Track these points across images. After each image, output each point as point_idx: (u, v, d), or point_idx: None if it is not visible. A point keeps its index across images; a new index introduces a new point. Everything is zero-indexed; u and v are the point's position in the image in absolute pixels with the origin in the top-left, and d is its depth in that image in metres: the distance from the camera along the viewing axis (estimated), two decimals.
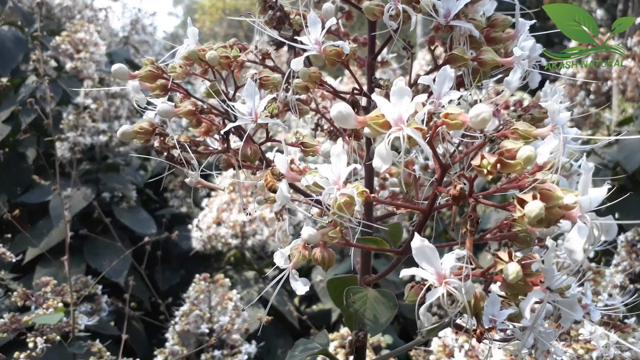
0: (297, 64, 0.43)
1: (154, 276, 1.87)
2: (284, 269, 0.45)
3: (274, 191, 0.44)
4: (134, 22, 2.24)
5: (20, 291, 1.43)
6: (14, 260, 1.62)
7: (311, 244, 0.42)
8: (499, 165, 0.33)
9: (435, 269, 0.32)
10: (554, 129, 0.35)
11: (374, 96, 0.34)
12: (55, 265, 1.74)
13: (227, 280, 1.53)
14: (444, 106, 0.38)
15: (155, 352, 1.51)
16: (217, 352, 1.51)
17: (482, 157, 0.33)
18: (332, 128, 0.66)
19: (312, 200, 0.50)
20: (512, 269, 0.33)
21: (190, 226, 1.78)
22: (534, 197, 0.32)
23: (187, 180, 0.49)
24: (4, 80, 2.04)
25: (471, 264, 0.34)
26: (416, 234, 0.33)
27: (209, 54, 0.47)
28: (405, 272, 0.33)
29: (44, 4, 1.96)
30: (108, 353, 1.38)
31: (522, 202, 0.32)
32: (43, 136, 1.97)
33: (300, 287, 0.44)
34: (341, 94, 0.50)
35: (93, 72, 1.89)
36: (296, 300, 1.87)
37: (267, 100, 0.43)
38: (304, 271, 2.01)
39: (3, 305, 1.63)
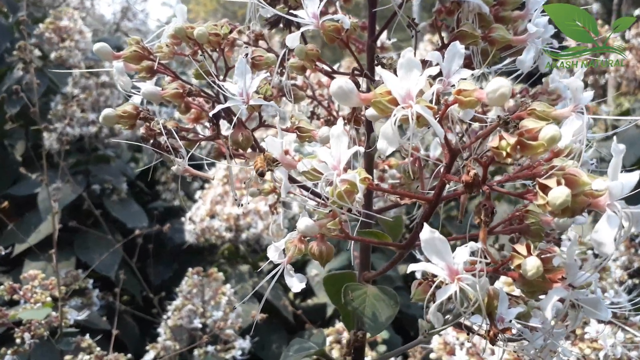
0: (294, 40, 0.40)
1: (146, 270, 1.83)
2: (278, 264, 0.42)
3: (262, 175, 0.40)
4: (124, 9, 2.19)
5: (7, 285, 1.39)
6: (2, 253, 1.58)
7: (308, 237, 0.39)
8: (518, 147, 0.30)
9: (447, 263, 0.29)
10: (575, 109, 0.32)
11: (379, 70, 0.30)
12: (44, 259, 1.70)
13: (220, 274, 1.49)
14: (453, 85, 0.35)
15: (147, 347, 1.47)
16: (210, 348, 1.48)
17: (501, 138, 0.30)
18: (329, 117, 0.62)
19: (308, 189, 0.46)
20: (532, 264, 0.30)
21: (183, 219, 1.74)
22: (559, 183, 0.29)
23: (174, 168, 0.45)
24: None
25: (486, 258, 0.30)
26: (425, 224, 0.30)
27: (197, 30, 0.44)
28: (414, 267, 0.29)
29: None
30: (98, 348, 1.34)
31: (545, 188, 0.29)
32: (30, 127, 1.92)
33: (296, 283, 0.40)
34: (340, 74, 0.47)
35: (79, 61, 1.83)
36: (291, 295, 1.84)
37: (260, 80, 0.39)
38: (299, 264, 1.99)
39: None
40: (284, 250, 0.41)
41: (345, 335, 1.42)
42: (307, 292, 1.83)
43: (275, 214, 0.69)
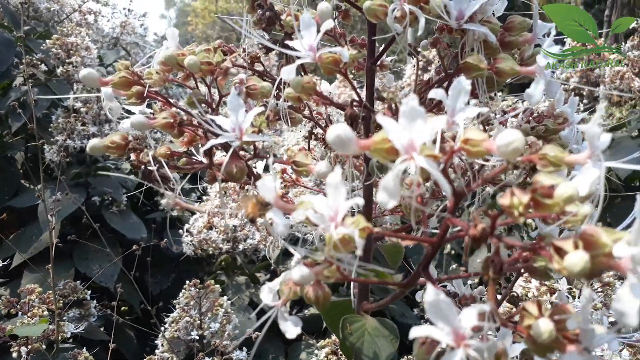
0: (289, 72, 0.36)
1: (144, 279, 1.78)
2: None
3: (253, 221, 0.37)
4: (124, 23, 2.14)
5: (4, 299, 1.34)
6: (0, 265, 1.54)
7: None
8: (531, 204, 0.26)
9: (453, 327, 0.25)
10: (591, 156, 0.28)
11: (379, 117, 0.27)
12: (43, 270, 1.65)
13: (217, 286, 1.45)
14: (457, 124, 0.31)
15: None
16: (207, 359, 1.44)
17: (512, 195, 0.26)
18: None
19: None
20: (545, 328, 0.26)
21: (181, 231, 1.70)
22: (576, 246, 0.25)
23: (163, 201, 0.42)
24: None
25: (494, 321, 0.27)
26: (429, 285, 0.26)
27: (188, 60, 0.40)
28: (417, 333, 0.26)
29: (29, 4, 1.86)
30: None
31: (560, 251, 0.26)
32: (31, 140, 1.88)
33: (291, 328, 0.37)
34: (338, 105, 0.43)
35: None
36: (287, 305, 1.79)
37: (254, 115, 0.36)
38: None
39: None
40: (278, 291, 0.38)
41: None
42: (303, 302, 1.78)
43: (269, 235, 0.65)
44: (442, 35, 0.47)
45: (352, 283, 0.48)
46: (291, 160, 0.39)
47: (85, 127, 1.82)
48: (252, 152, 0.45)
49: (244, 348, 1.47)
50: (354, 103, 0.42)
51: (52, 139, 1.76)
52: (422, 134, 0.26)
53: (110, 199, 1.85)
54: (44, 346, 1.27)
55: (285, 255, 2.00)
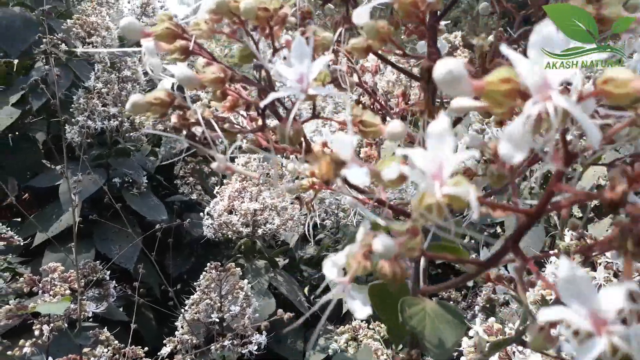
0: (362, 15, 0.31)
1: (163, 262, 1.76)
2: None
3: (328, 183, 0.31)
4: (144, 4, 2.09)
5: (26, 277, 1.32)
6: (22, 243, 1.51)
7: (385, 257, 0.30)
8: None
9: (591, 310, 0.20)
10: None
11: (503, 48, 0.21)
12: (64, 250, 1.62)
13: (238, 269, 1.41)
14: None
15: (165, 342, 1.40)
16: (227, 342, 1.41)
17: None
18: (376, 105, 0.53)
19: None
20: None
21: (202, 214, 1.66)
22: None
23: (213, 165, 0.37)
24: (15, 62, 1.91)
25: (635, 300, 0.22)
26: (563, 256, 0.21)
27: (244, 4, 0.35)
28: (546, 316, 0.21)
29: None
30: (116, 342, 1.27)
31: None
32: (53, 120, 1.85)
33: (359, 307, 0.32)
34: (417, 58, 0.38)
35: (104, 56, 1.76)
36: (306, 290, 1.76)
37: (323, 63, 0.31)
38: (314, 261, 1.90)
39: (10, 289, 1.52)
40: (344, 267, 0.33)
41: (367, 334, 1.34)
42: (324, 288, 1.74)
43: (312, 211, 0.60)
44: None
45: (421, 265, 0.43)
46: (358, 120, 0.34)
47: (106, 107, 1.78)
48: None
49: (263, 332, 1.44)
50: (432, 56, 0.37)
51: (72, 120, 1.73)
52: (560, 70, 0.20)
53: (130, 180, 1.82)
54: (65, 325, 1.24)
55: (304, 241, 1.96)
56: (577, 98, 0.22)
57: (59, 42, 1.77)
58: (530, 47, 0.21)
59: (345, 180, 0.37)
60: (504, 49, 0.22)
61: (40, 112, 1.84)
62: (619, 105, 0.22)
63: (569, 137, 0.28)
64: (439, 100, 0.42)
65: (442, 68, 0.22)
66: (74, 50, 1.78)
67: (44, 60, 1.74)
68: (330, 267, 0.34)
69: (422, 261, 0.44)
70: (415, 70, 0.45)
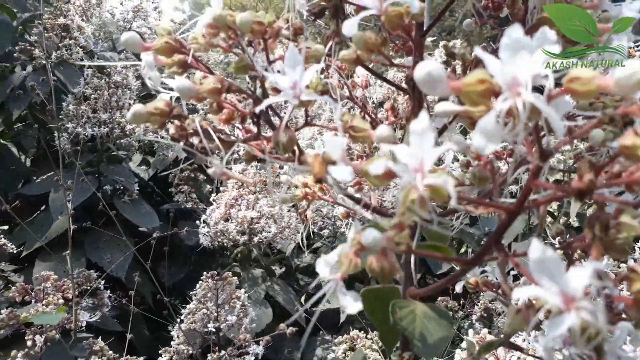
0: (351, 27, 0.35)
1: (157, 271, 1.78)
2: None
3: (320, 182, 0.35)
4: (136, 9, 2.13)
5: (19, 286, 1.34)
6: (14, 251, 1.53)
7: (367, 251, 0.33)
8: None
9: (561, 288, 0.24)
10: None
11: (477, 51, 0.25)
12: (55, 259, 1.65)
13: (234, 278, 1.44)
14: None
15: (161, 352, 1.42)
16: (223, 352, 1.43)
17: (636, 134, 0.24)
18: (366, 118, 0.57)
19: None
20: None
21: (197, 222, 1.69)
22: None
23: (210, 171, 0.40)
24: None
25: (602, 280, 0.25)
26: (535, 240, 0.24)
27: (240, 18, 0.38)
28: (520, 293, 0.24)
29: None
30: (110, 352, 1.30)
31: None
32: (39, 126, 1.87)
33: (351, 303, 0.35)
34: (406, 68, 0.42)
35: (81, 57, 1.77)
36: (303, 299, 1.78)
37: (315, 71, 0.34)
38: (311, 270, 1.93)
39: (2, 297, 1.54)
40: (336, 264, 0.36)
41: (365, 344, 1.37)
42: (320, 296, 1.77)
43: (306, 221, 0.64)
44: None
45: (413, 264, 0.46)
46: (348, 126, 0.38)
47: (97, 114, 1.81)
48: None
49: (260, 342, 1.46)
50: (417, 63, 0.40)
51: (61, 127, 1.75)
52: (530, 67, 0.24)
53: (122, 188, 1.85)
54: (58, 335, 1.26)
55: (300, 249, 1.99)
56: (547, 96, 0.25)
57: (32, 47, 1.75)
58: (501, 49, 0.25)
59: (338, 185, 0.41)
60: (479, 51, 0.25)
61: (25, 119, 1.85)
62: (584, 101, 0.26)
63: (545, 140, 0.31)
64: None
65: (422, 70, 0.25)
66: (50, 54, 1.76)
67: (22, 66, 1.74)
68: (323, 266, 0.37)
69: (412, 261, 0.47)
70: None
